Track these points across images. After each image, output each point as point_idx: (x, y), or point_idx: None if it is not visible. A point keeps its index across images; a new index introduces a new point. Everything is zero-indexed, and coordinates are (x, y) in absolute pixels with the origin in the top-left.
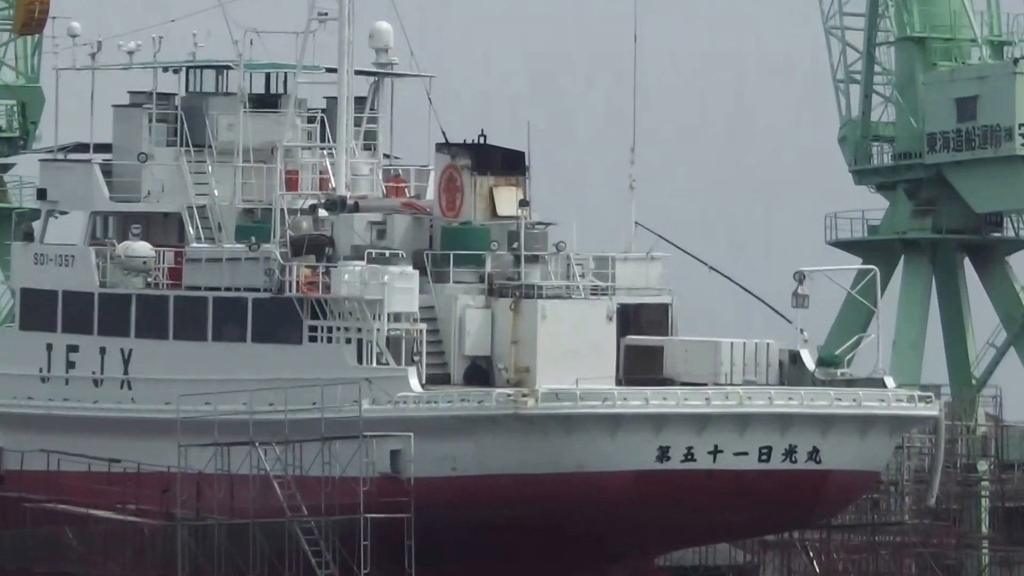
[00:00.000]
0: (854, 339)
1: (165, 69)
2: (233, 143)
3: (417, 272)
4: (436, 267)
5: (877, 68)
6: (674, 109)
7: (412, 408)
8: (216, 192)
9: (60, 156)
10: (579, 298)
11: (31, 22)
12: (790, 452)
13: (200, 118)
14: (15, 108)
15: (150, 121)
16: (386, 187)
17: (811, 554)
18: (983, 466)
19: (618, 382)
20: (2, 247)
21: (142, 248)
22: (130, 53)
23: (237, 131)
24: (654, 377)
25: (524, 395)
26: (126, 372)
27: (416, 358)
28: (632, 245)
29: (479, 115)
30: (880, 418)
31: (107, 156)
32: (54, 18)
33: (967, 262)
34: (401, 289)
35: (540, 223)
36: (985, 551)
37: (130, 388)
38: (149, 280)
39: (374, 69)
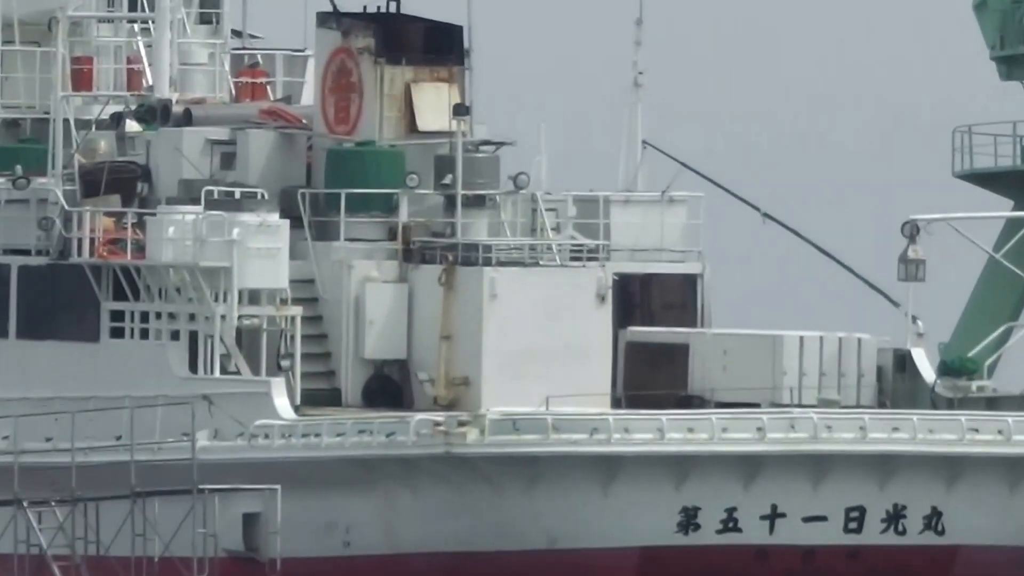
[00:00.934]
0: (999, 331)
1: None
2: None
3: (287, 224)
4: (318, 215)
5: None
6: None
7: (279, 446)
8: None
9: None
10: (551, 265)
11: None
12: (895, 516)
13: None
14: None
15: None
16: (236, 85)
17: None
18: None
19: (615, 402)
20: None
21: None
22: None
23: None
24: (674, 394)
25: (461, 423)
26: None
27: (285, 364)
28: (638, 179)
29: None
30: None
31: None
32: None
33: None
34: (260, 251)
35: (488, 143)
36: None
37: None
38: None
39: None
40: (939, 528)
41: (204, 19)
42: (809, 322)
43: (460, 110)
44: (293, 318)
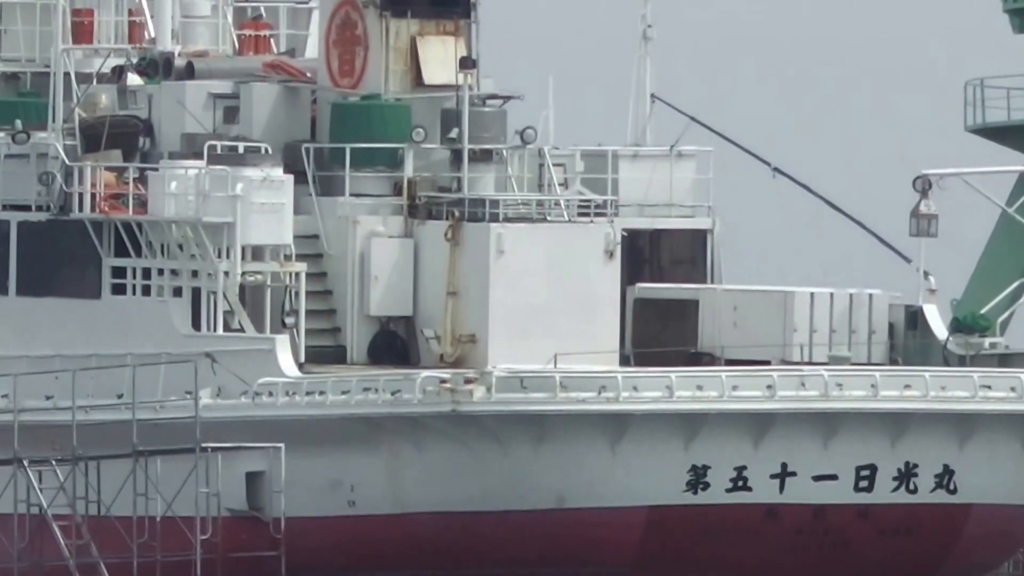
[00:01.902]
0: (1013, 287)
1: None
2: None
3: (291, 179)
4: (322, 170)
5: None
6: None
7: (283, 404)
8: None
9: None
10: (559, 221)
11: None
12: (907, 475)
13: None
14: None
15: None
16: (239, 38)
17: None
18: None
19: (623, 360)
20: None
21: None
22: None
23: None
24: (683, 350)
25: (468, 381)
26: None
27: (290, 320)
28: (647, 133)
29: None
30: None
31: None
32: None
33: None
34: (264, 206)
35: (495, 97)
36: None
37: None
38: None
39: None
40: (951, 487)
41: None
42: (820, 278)
43: (466, 63)
44: (297, 274)
